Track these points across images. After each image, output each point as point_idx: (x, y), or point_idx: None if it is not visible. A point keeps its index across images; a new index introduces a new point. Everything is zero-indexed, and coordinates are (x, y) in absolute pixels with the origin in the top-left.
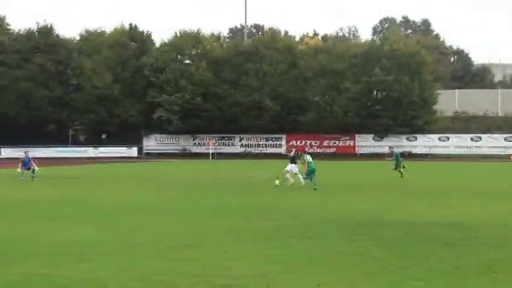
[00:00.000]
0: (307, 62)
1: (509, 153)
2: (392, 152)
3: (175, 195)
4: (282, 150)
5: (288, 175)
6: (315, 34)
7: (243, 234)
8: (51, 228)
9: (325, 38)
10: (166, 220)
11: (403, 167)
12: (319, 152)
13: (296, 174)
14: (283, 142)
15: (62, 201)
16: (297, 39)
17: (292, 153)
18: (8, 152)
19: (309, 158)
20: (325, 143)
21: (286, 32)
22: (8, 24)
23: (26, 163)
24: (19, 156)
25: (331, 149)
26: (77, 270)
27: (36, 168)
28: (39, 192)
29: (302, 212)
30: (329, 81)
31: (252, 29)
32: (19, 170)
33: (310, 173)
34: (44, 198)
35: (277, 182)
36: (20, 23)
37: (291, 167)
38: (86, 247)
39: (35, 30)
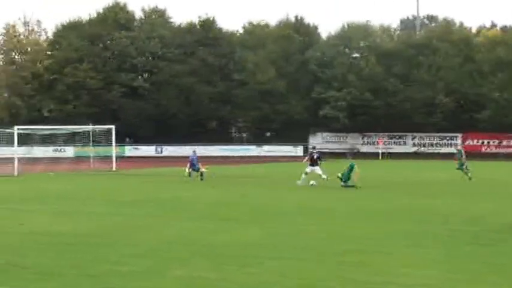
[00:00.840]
0: (484, 55)
1: None
2: (458, 151)
3: (342, 197)
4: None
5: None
6: (493, 25)
7: (416, 239)
8: (213, 229)
9: (504, 29)
10: (333, 223)
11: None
12: (497, 152)
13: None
14: (459, 141)
15: (225, 202)
16: (473, 30)
17: (314, 155)
18: (170, 150)
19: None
20: (505, 143)
21: (462, 23)
22: (169, 18)
23: (194, 164)
24: (180, 155)
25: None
26: (240, 274)
27: (204, 169)
28: (202, 192)
29: (479, 217)
30: (509, 75)
31: (425, 20)
32: (187, 170)
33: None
34: (206, 199)
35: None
36: (181, 16)
37: (312, 168)
38: (248, 250)
39: (196, 23)
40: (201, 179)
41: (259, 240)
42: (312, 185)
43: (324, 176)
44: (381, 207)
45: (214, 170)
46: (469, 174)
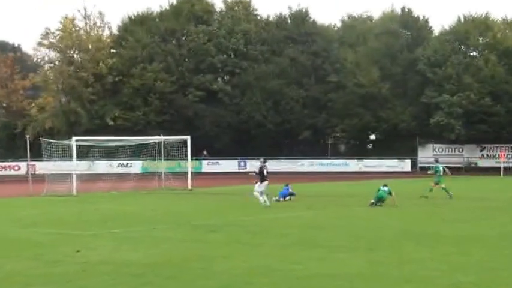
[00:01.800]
0: None
1: None
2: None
3: (452, 219)
4: None
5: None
6: None
7: None
8: (306, 257)
9: None
10: (445, 250)
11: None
12: None
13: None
14: None
15: (320, 225)
16: None
17: (264, 170)
18: (255, 165)
19: None
20: None
21: None
22: (254, 10)
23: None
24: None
25: None
26: None
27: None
28: (294, 213)
29: None
30: None
31: None
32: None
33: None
34: (296, 221)
35: None
36: (269, 8)
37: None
38: (351, 282)
39: (287, 16)
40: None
41: (359, 270)
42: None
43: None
44: (498, 232)
45: (307, 188)
46: (427, 193)
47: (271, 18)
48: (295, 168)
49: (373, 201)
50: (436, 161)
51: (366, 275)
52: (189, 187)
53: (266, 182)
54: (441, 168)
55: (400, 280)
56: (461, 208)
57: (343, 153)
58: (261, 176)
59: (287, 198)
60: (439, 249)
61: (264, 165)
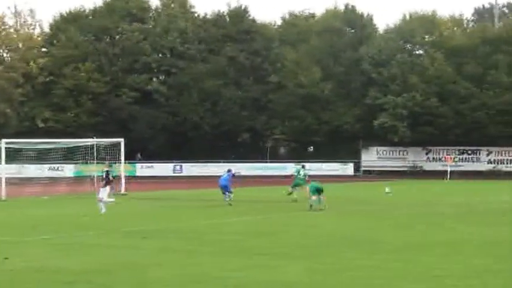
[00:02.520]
0: None
1: None
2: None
3: (395, 225)
4: None
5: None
6: None
7: (490, 278)
8: (243, 265)
9: None
10: (388, 257)
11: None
12: None
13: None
14: None
15: (257, 232)
16: None
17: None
18: (191, 169)
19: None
20: None
21: None
22: (191, 7)
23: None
24: (203, 174)
25: None
26: None
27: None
28: (227, 220)
29: None
30: None
31: (504, 9)
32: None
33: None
34: (233, 228)
35: None
36: (206, 5)
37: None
38: None
39: (225, 14)
40: (230, 204)
41: (298, 278)
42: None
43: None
44: (441, 239)
45: (244, 193)
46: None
47: (208, 16)
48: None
49: (290, 190)
50: (303, 166)
51: (306, 283)
52: (123, 191)
53: (108, 187)
54: (302, 173)
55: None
56: (405, 214)
57: (282, 156)
58: (106, 180)
59: (227, 194)
60: (381, 256)
61: (110, 170)
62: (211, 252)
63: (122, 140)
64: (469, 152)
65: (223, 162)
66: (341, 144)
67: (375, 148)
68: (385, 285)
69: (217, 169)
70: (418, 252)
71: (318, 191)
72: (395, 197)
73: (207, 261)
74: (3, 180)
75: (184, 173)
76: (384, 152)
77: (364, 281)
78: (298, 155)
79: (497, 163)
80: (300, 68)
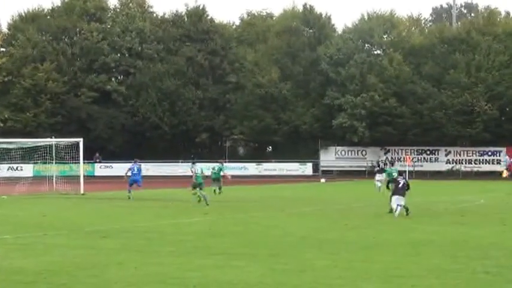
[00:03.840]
0: None
1: None
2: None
3: (356, 225)
4: (500, 167)
5: None
6: None
7: (449, 278)
8: (202, 265)
9: None
10: (349, 257)
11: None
12: None
13: None
14: (502, 157)
15: (216, 232)
16: None
17: None
18: (150, 169)
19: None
20: None
21: (508, 13)
22: (150, 7)
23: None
24: (163, 174)
25: None
26: None
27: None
28: (186, 220)
29: None
30: None
31: (462, 9)
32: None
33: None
34: (192, 228)
35: None
36: (165, 5)
37: None
38: None
39: (183, 13)
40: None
41: (260, 279)
42: None
43: None
44: (401, 239)
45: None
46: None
47: (167, 16)
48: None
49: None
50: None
51: (266, 283)
52: (82, 191)
53: None
54: (200, 170)
55: None
56: (365, 214)
57: (241, 156)
58: None
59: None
60: (342, 256)
61: None
62: (172, 252)
63: (80, 139)
64: (428, 152)
65: (182, 162)
66: (300, 144)
67: (333, 148)
68: (346, 285)
69: (176, 169)
70: (378, 252)
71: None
72: (354, 197)
73: (167, 261)
74: None
75: (143, 173)
76: (343, 152)
77: (325, 280)
78: (258, 155)
79: (456, 163)
80: (259, 68)
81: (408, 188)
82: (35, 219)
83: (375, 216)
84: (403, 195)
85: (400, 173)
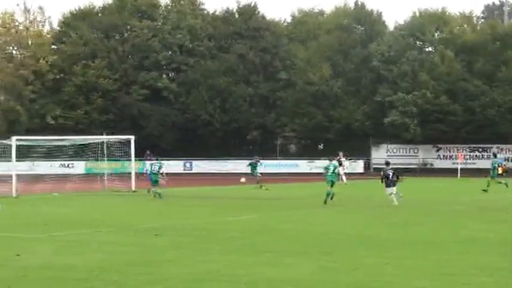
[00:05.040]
0: None
1: None
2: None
3: (406, 223)
4: None
5: None
6: None
7: (500, 276)
8: (252, 262)
9: None
10: (399, 255)
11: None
12: None
13: None
14: None
15: (266, 229)
16: None
17: None
18: (201, 166)
19: None
20: None
21: None
22: (201, 4)
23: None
24: (213, 172)
25: None
26: None
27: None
28: (237, 217)
29: None
30: None
31: None
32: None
33: None
34: (242, 225)
35: None
36: (216, 2)
37: None
38: None
39: (234, 11)
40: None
41: (310, 276)
42: None
43: None
44: (453, 237)
45: (254, 190)
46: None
47: (218, 13)
48: (243, 169)
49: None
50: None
51: (316, 281)
52: (133, 188)
53: None
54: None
55: (352, 286)
56: (417, 211)
57: (293, 153)
58: None
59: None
60: (392, 253)
61: None
62: (221, 250)
63: (132, 137)
64: (480, 149)
65: (234, 159)
66: (351, 142)
67: (385, 145)
68: (398, 283)
69: (228, 166)
70: (429, 249)
71: None
72: (405, 195)
73: (217, 259)
74: (15, 177)
75: (194, 170)
76: (394, 150)
77: (377, 278)
78: (309, 152)
79: (509, 160)
80: (310, 66)
81: (397, 177)
82: (86, 217)
83: (424, 214)
84: (394, 185)
85: (388, 163)
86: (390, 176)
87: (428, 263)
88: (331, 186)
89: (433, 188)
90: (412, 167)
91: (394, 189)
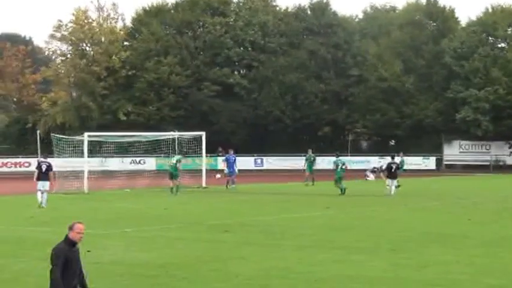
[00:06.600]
0: None
1: None
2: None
3: (478, 221)
4: None
5: None
6: None
7: None
8: (324, 259)
9: None
10: (471, 253)
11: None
12: None
13: None
14: None
15: (340, 226)
16: None
17: None
18: (272, 162)
19: None
20: None
21: None
22: (273, 1)
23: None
24: (284, 168)
25: None
26: None
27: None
28: (308, 213)
29: None
30: None
31: None
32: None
33: None
34: (313, 222)
35: None
36: None
37: None
38: (368, 285)
39: (306, 7)
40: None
41: (381, 273)
42: None
43: None
44: None
45: (324, 186)
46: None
47: (290, 9)
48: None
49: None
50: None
51: (387, 278)
52: (204, 185)
53: None
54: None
55: (424, 284)
56: (488, 209)
57: (364, 150)
58: None
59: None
60: (464, 251)
61: None
62: (293, 246)
63: (203, 133)
64: None
65: (304, 155)
66: (423, 138)
67: (457, 142)
68: (468, 280)
69: (299, 162)
70: (500, 247)
71: None
72: (477, 192)
73: (288, 256)
74: (86, 174)
75: (265, 167)
76: (467, 146)
77: (447, 276)
78: (380, 149)
79: None
80: (381, 62)
81: (399, 168)
82: (156, 213)
83: (497, 212)
84: (395, 177)
85: (393, 156)
86: (393, 169)
87: (499, 261)
88: (340, 182)
89: (506, 185)
90: (484, 164)
91: (395, 182)
